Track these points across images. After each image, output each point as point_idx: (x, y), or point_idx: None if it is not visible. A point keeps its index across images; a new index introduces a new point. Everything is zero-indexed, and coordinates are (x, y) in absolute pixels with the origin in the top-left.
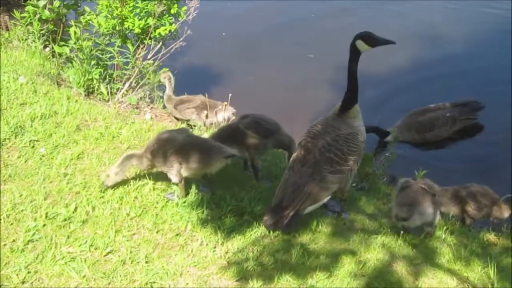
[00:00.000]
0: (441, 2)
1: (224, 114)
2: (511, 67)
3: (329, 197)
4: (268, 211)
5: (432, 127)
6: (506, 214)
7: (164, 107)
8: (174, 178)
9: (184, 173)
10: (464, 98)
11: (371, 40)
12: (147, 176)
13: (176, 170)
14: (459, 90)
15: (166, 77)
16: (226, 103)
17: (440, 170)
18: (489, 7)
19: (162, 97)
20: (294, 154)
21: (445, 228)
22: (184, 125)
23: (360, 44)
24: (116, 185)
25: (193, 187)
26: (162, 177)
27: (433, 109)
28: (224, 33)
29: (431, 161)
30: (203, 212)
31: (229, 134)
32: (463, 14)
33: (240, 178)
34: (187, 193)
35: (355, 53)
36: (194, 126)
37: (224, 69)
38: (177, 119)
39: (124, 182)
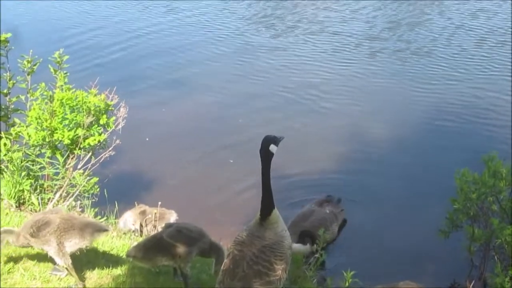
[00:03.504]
0: None
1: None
2: None
3: None
4: None
5: (327, 226)
6: None
7: (95, 216)
8: (57, 259)
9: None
10: (320, 197)
11: (277, 140)
12: None
13: (55, 249)
14: None
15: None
16: (156, 211)
17: (372, 267)
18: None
19: (93, 206)
20: (223, 266)
21: None
22: None
23: (273, 147)
24: None
25: None
26: None
27: (309, 212)
28: (147, 139)
29: (358, 258)
30: None
31: (154, 243)
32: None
33: (170, 286)
34: None
35: (268, 157)
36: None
37: (152, 175)
38: None
39: None
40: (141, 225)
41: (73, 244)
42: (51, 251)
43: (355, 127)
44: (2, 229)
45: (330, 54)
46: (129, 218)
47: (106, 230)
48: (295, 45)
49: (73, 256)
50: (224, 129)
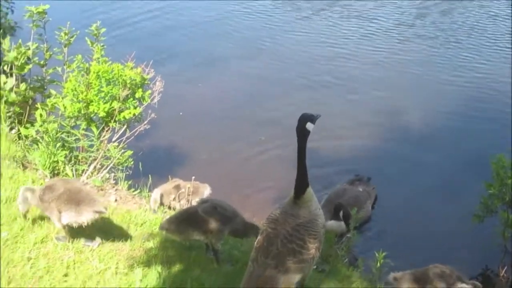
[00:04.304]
0: None
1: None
2: None
3: (294, 286)
4: None
5: (361, 204)
6: None
7: (129, 188)
8: (56, 223)
9: (64, 220)
10: (353, 176)
11: (313, 118)
12: (109, 260)
13: (55, 217)
14: None
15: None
16: (189, 186)
17: (403, 249)
18: None
19: (126, 179)
20: (257, 243)
21: None
22: None
23: (309, 125)
24: (79, 269)
25: (154, 270)
26: (124, 261)
27: (342, 191)
28: (181, 113)
29: (390, 240)
30: None
31: (187, 217)
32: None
33: (201, 261)
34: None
35: (304, 136)
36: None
37: (185, 150)
38: None
39: (87, 266)
40: (174, 199)
41: (69, 217)
42: (52, 217)
43: (385, 113)
44: (24, 187)
45: (359, 39)
46: (163, 192)
47: (101, 212)
48: (326, 28)
49: (103, 228)
50: (258, 108)
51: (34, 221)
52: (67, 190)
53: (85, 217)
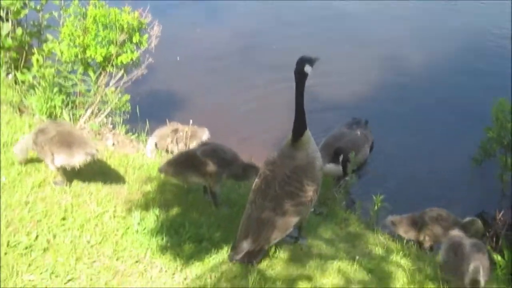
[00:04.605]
0: None
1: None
2: None
3: (292, 229)
4: (234, 247)
5: (359, 147)
6: None
7: (126, 133)
8: (51, 166)
9: (57, 163)
10: (350, 119)
11: (312, 61)
12: (107, 203)
13: (48, 159)
14: None
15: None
16: (187, 129)
17: (401, 192)
18: None
19: (124, 123)
20: (254, 186)
21: (401, 252)
22: None
23: (308, 68)
24: (76, 213)
25: (152, 213)
26: (122, 205)
27: (340, 134)
28: (178, 58)
29: (388, 183)
30: (162, 239)
31: (186, 159)
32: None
33: (199, 204)
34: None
35: (302, 79)
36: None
37: (183, 94)
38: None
39: (84, 210)
40: (172, 142)
41: (62, 159)
42: (46, 160)
43: (390, 56)
44: (21, 139)
45: None
46: (161, 136)
47: (93, 154)
48: None
49: (101, 172)
50: (256, 53)
51: (31, 165)
52: (59, 133)
53: (77, 159)
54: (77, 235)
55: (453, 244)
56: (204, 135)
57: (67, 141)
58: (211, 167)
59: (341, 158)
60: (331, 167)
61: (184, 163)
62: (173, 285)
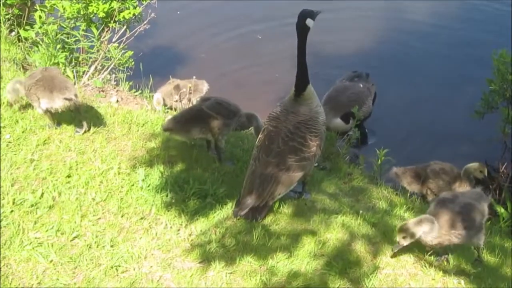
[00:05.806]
0: None
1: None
2: None
3: (296, 184)
4: (238, 203)
5: (363, 101)
6: (468, 188)
7: (130, 89)
8: (38, 109)
9: (43, 106)
10: (350, 72)
11: (313, 14)
12: (112, 160)
13: (36, 104)
14: None
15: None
16: (190, 85)
17: (404, 146)
18: None
19: (128, 80)
20: (258, 142)
21: (405, 206)
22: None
23: (309, 21)
24: (81, 170)
25: (157, 170)
26: (127, 162)
27: (343, 87)
28: (178, 12)
29: (391, 137)
30: (167, 196)
31: (192, 115)
32: None
33: (203, 160)
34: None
35: (304, 32)
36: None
37: (185, 49)
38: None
39: (89, 167)
40: (177, 101)
41: (45, 103)
42: (33, 103)
43: (393, 9)
44: (14, 79)
45: None
46: (164, 94)
47: (71, 100)
48: None
49: (106, 129)
50: (256, 5)
51: (35, 123)
52: (44, 78)
53: (57, 103)
54: (82, 192)
55: (442, 199)
56: (204, 87)
57: (49, 86)
58: (219, 119)
59: (351, 121)
60: (340, 123)
61: (192, 119)
62: (178, 241)
